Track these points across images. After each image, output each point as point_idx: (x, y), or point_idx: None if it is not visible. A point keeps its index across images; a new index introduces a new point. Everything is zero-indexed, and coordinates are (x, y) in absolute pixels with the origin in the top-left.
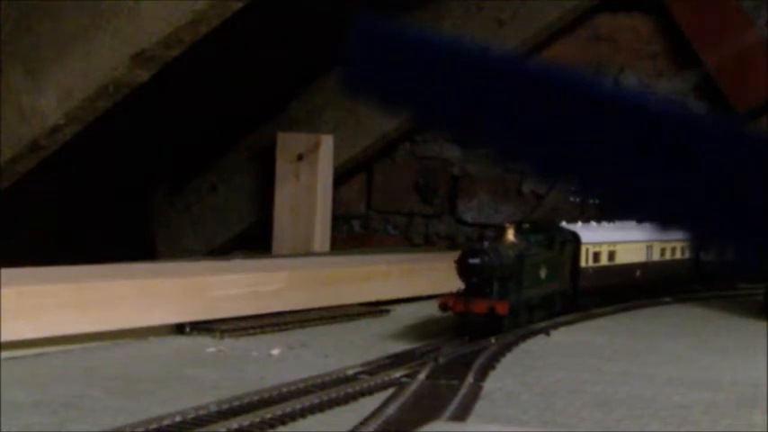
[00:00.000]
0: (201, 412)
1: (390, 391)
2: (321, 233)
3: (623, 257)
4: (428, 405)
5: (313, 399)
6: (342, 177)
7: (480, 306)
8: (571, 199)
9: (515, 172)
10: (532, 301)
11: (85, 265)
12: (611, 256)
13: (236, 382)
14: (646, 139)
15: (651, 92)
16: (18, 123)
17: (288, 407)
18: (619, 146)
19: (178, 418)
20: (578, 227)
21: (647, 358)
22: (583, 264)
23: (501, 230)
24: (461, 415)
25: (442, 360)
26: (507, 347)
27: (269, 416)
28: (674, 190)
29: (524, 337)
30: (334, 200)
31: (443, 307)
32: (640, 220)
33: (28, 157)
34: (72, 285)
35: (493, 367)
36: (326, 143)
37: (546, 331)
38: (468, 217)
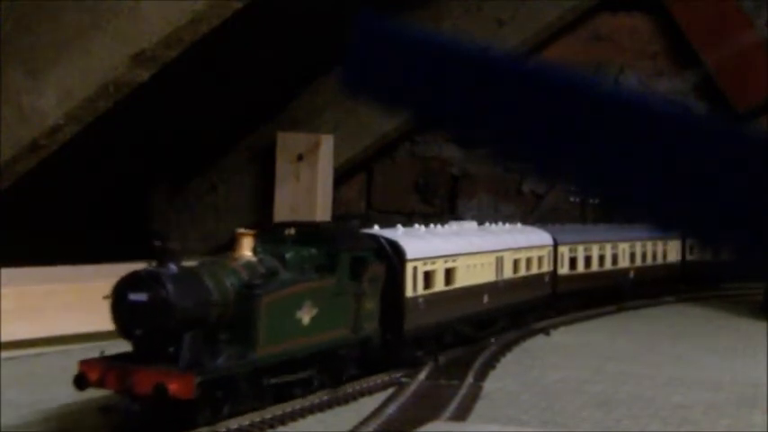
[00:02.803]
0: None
1: (390, 391)
2: None
3: (466, 277)
4: (428, 405)
5: (313, 399)
6: (342, 177)
7: (143, 382)
8: (571, 199)
9: (515, 172)
10: (278, 368)
11: (85, 265)
12: (450, 276)
13: None
14: (646, 139)
15: (651, 92)
16: (18, 123)
17: (288, 407)
18: (619, 146)
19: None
20: (399, 233)
21: (647, 358)
22: (410, 292)
23: (232, 241)
24: (461, 415)
25: (441, 360)
26: (507, 347)
27: (269, 416)
28: (674, 190)
29: (524, 337)
30: (334, 200)
31: (80, 381)
32: (640, 220)
33: (28, 157)
34: (72, 285)
35: (493, 367)
36: (326, 143)
37: (546, 331)
38: (468, 217)
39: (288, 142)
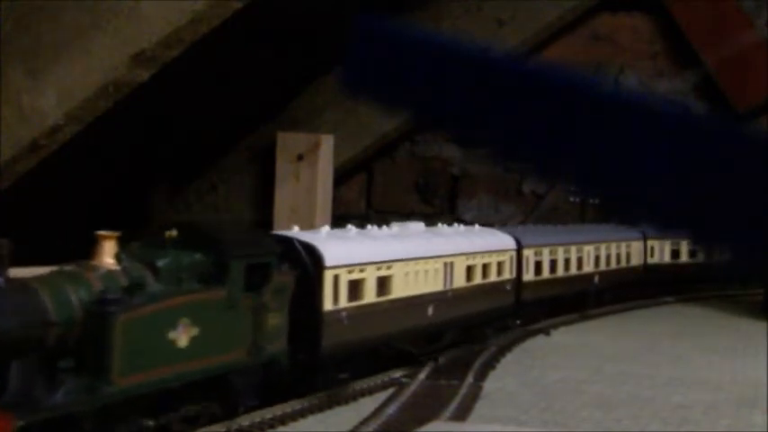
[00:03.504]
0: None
1: (390, 391)
2: None
3: (405, 286)
4: (428, 405)
5: (313, 399)
6: (342, 177)
7: None
8: (571, 199)
9: (515, 172)
10: (146, 402)
11: None
12: (383, 285)
13: None
14: (646, 139)
15: (651, 92)
16: (18, 123)
17: (288, 407)
18: (619, 146)
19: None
20: (320, 235)
21: (647, 358)
22: (329, 304)
23: (94, 245)
24: (461, 415)
25: (441, 360)
26: (507, 347)
27: (269, 416)
28: (674, 189)
29: (524, 337)
30: (335, 200)
31: None
32: (640, 220)
33: (28, 157)
34: None
35: (493, 367)
36: (326, 143)
37: (546, 331)
38: (468, 217)
39: (288, 142)
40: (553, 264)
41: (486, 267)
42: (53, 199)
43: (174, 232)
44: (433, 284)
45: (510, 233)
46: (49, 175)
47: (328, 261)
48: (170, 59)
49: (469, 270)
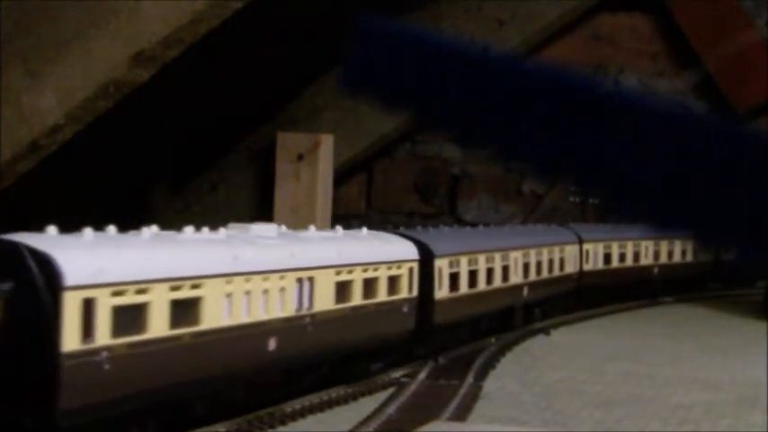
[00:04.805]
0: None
1: (390, 391)
2: None
3: (225, 313)
4: (428, 405)
5: (313, 399)
6: (342, 177)
7: None
8: (571, 199)
9: (515, 172)
10: None
11: None
12: (185, 311)
13: None
14: (646, 139)
15: (651, 92)
16: (18, 123)
17: (288, 407)
18: (619, 146)
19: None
20: (77, 238)
21: (647, 358)
22: (75, 343)
23: None
24: (461, 415)
25: (441, 360)
26: (507, 347)
27: (269, 416)
28: (674, 189)
29: (524, 337)
30: (335, 199)
31: None
32: (640, 219)
33: (28, 157)
34: None
35: (493, 367)
36: (326, 143)
37: (546, 331)
38: (468, 217)
39: (288, 142)
40: (473, 276)
41: (369, 284)
42: (53, 199)
43: None
44: (279, 309)
45: (415, 239)
46: (49, 175)
47: (71, 277)
48: (170, 59)
49: (341, 288)
